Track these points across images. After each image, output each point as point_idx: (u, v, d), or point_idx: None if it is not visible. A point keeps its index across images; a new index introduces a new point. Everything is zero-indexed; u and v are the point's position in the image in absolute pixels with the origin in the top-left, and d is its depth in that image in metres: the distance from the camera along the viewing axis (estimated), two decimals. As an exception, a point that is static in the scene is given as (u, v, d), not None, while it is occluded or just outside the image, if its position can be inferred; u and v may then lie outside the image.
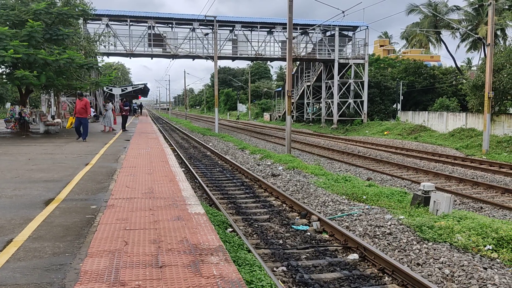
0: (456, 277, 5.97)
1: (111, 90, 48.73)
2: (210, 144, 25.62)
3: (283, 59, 40.55)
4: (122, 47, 37.05)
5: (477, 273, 5.92)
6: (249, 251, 6.66)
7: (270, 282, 5.29)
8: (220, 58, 39.46)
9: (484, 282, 5.71)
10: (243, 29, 39.58)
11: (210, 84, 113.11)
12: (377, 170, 17.08)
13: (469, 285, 5.74)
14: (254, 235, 8.16)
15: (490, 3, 22.45)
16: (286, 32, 22.15)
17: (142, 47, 37.80)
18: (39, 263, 4.35)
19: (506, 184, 14.47)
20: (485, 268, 6.13)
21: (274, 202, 10.86)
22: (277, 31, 40.25)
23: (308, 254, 7.15)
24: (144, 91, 62.09)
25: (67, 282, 3.90)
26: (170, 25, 39.16)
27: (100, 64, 22.45)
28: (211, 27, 36.84)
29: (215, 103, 36.23)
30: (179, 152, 20.34)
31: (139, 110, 58.91)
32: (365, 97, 40.90)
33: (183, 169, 15.05)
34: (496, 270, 6.12)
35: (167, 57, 40.01)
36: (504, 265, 6.43)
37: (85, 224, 5.71)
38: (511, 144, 22.65)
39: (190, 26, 38.58)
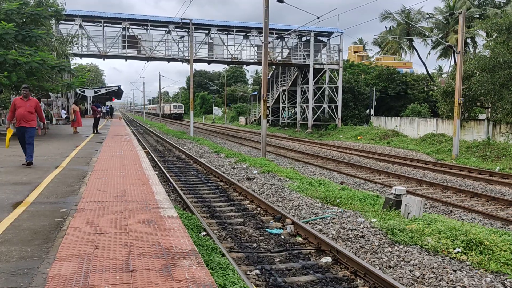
0: (426, 279, 6.08)
1: (83, 92, 47.87)
2: (185, 147, 25.43)
3: (259, 63, 40.65)
4: (96, 48, 36.47)
5: (447, 275, 6.04)
6: (223, 254, 6.62)
7: (243, 285, 5.27)
8: (196, 61, 39.31)
9: (454, 284, 5.83)
10: (219, 32, 39.56)
11: (185, 87, 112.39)
12: (350, 174, 17.28)
13: (438, 287, 5.84)
14: (228, 239, 8.12)
15: (461, 12, 23.09)
16: (262, 36, 22.24)
17: (116, 49, 37.31)
18: (5, 268, 4.21)
19: (475, 188, 14.85)
20: (455, 271, 6.25)
21: (248, 205, 10.84)
22: (253, 35, 40.38)
23: (282, 258, 7.16)
24: (117, 93, 61.20)
25: (34, 286, 3.79)
26: (145, 27, 38.81)
27: (72, 66, 22.04)
28: (187, 30, 36.65)
29: (190, 106, 36.03)
30: (153, 155, 20.11)
31: (110, 113, 55.90)
32: (339, 102, 41.40)
33: (157, 172, 14.88)
34: (465, 273, 6.25)
35: (142, 59, 39.59)
36: (473, 267, 6.58)
37: (54, 227, 5.57)
38: (480, 149, 23.28)
39: (166, 29, 38.34)
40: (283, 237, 8.27)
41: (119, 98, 78.88)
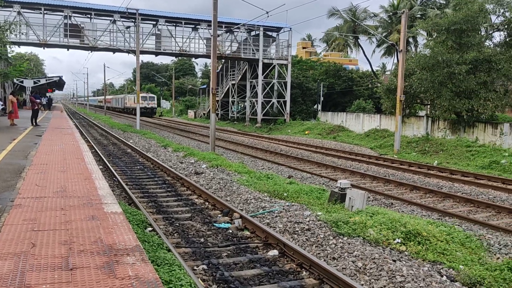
0: (368, 269, 6.29)
1: (22, 82, 45.45)
2: (131, 141, 24.80)
3: (208, 57, 40.29)
4: (35, 36, 34.66)
5: (387, 265, 6.28)
6: (169, 250, 6.52)
7: (189, 281, 5.21)
8: (143, 52, 38.31)
9: (393, 274, 6.07)
10: (167, 24, 38.76)
11: (132, 79, 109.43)
12: (298, 168, 17.56)
13: (379, 276, 6.06)
14: (175, 234, 8.01)
15: (403, 11, 23.99)
16: (211, 29, 22.05)
17: (57, 38, 35.62)
18: None
19: (414, 181, 15.54)
20: (394, 261, 6.51)
21: (196, 200, 10.75)
22: (202, 28, 39.92)
23: (229, 252, 7.16)
24: (59, 84, 58.67)
25: (-37, 289, 3.56)
26: (89, 16, 37.32)
27: (10, 54, 20.83)
28: (133, 20, 35.64)
29: (137, 99, 35.15)
30: (96, 149, 19.45)
31: (48, 105, 50.86)
32: (288, 97, 41.91)
33: (101, 167, 14.40)
34: (404, 262, 6.52)
35: (85, 49, 38.09)
36: (412, 257, 6.89)
37: (-13, 225, 5.24)
38: (420, 144, 24.39)
39: (111, 18, 37.04)
40: (231, 231, 8.27)
41: (60, 89, 75.62)
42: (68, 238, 4.88)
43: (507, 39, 24.72)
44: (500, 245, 8.03)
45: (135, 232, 5.56)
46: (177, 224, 8.59)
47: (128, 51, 36.83)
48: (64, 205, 6.30)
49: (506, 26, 24.39)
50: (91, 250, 4.52)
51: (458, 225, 9.38)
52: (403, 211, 10.94)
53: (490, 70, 23.22)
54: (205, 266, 6.41)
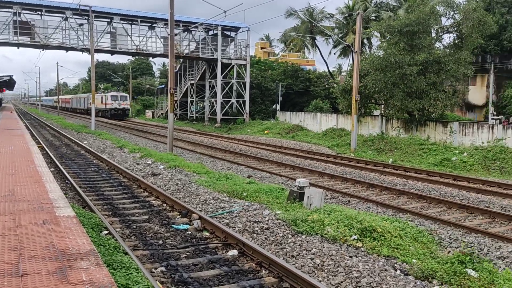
0: (325, 266, 6.39)
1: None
2: (85, 142, 24.08)
3: (166, 56, 39.70)
4: (-18, 34, 33.02)
5: (344, 262, 6.40)
6: (126, 253, 6.37)
7: (147, 283, 5.12)
8: (98, 51, 37.26)
9: (350, 270, 6.20)
10: (122, 22, 37.87)
11: (87, 78, 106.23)
12: (257, 168, 17.62)
13: (337, 273, 6.17)
14: (132, 237, 7.84)
15: (358, 13, 24.56)
16: (168, 28, 21.75)
17: (6, 35, 34.06)
18: None
19: (371, 179, 15.94)
20: (351, 257, 6.65)
21: (154, 202, 10.57)
22: (158, 27, 39.30)
23: (188, 253, 7.08)
24: (9, 83, 56.01)
25: None
26: (39, 13, 35.89)
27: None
28: (87, 18, 34.59)
29: (92, 99, 34.19)
30: (48, 151, 18.73)
31: None
32: (247, 97, 41.98)
33: (52, 169, 13.90)
34: (360, 258, 6.68)
35: (36, 47, 36.59)
36: (367, 253, 7.06)
37: None
38: (375, 143, 25.05)
39: (63, 15, 35.76)
40: (189, 232, 8.19)
41: (11, 89, 72.29)
42: (18, 243, 4.68)
43: (456, 41, 25.81)
44: (450, 239, 8.37)
45: (90, 236, 5.40)
46: (134, 227, 8.41)
47: (82, 50, 35.73)
48: (13, 209, 6.03)
49: (455, 28, 25.47)
50: (42, 256, 4.35)
51: (411, 221, 9.70)
52: (359, 208, 11.19)
53: (439, 71, 24.16)
54: (163, 268, 6.32)
